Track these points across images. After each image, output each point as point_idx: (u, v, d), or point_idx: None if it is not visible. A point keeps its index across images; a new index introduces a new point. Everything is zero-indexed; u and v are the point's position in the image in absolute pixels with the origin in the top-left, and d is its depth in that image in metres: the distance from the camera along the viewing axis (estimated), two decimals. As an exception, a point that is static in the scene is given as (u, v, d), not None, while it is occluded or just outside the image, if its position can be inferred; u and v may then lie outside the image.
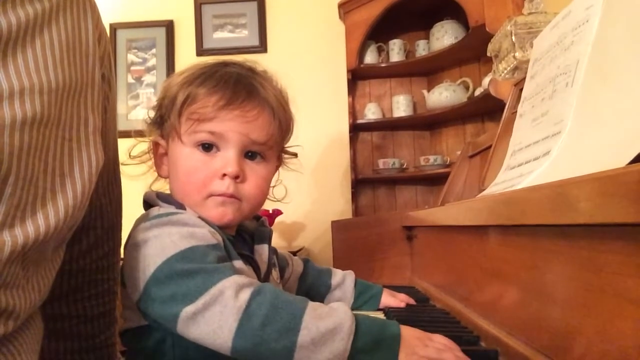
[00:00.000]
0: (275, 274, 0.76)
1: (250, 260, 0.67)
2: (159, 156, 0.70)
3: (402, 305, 0.86)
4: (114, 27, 2.58)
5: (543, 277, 0.47)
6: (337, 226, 1.42)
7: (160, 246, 0.56)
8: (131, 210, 0.74)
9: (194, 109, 0.63)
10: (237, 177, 0.64)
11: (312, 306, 0.52)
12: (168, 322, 0.53)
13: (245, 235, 0.73)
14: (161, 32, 2.59)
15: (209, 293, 0.51)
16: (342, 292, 0.87)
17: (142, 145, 0.73)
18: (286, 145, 0.75)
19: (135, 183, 0.73)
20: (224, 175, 0.63)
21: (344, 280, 0.88)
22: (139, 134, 0.73)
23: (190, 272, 0.53)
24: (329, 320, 0.50)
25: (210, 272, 0.53)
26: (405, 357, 0.50)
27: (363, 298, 0.87)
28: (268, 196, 0.72)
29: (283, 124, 0.69)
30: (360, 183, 2.37)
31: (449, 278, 0.88)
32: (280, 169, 0.76)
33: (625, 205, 0.29)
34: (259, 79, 0.68)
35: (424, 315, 0.80)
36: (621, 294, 0.34)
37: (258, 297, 0.51)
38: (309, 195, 2.44)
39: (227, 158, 0.63)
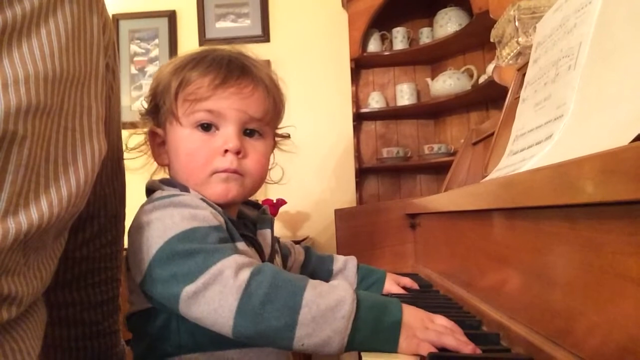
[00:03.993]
0: (278, 260, 0.76)
1: (254, 242, 0.68)
2: (156, 145, 0.71)
3: (405, 291, 0.86)
4: (117, 18, 2.57)
5: (544, 260, 0.46)
6: (341, 215, 1.41)
7: (162, 227, 0.56)
8: (131, 202, 0.75)
9: (189, 90, 0.64)
10: (239, 153, 0.64)
11: (312, 284, 0.52)
12: (170, 302, 0.54)
13: (247, 222, 0.73)
14: (164, 23, 2.58)
15: (209, 272, 0.51)
16: (344, 277, 0.87)
17: (139, 138, 0.73)
18: (279, 127, 0.76)
19: (135, 176, 0.73)
20: (226, 151, 0.64)
21: (345, 265, 0.88)
22: (134, 126, 0.73)
23: (190, 252, 0.53)
24: (329, 297, 0.50)
25: (211, 252, 0.53)
26: (406, 340, 0.50)
27: (366, 283, 0.86)
28: (266, 180, 0.72)
29: (277, 101, 0.70)
30: (364, 172, 2.36)
31: (452, 264, 0.88)
32: (276, 151, 0.77)
33: (625, 182, 0.29)
34: (250, 60, 0.69)
35: (427, 301, 0.79)
36: (622, 274, 0.33)
37: (258, 276, 0.51)
38: (313, 184, 2.44)
39: (227, 135, 0.64)
